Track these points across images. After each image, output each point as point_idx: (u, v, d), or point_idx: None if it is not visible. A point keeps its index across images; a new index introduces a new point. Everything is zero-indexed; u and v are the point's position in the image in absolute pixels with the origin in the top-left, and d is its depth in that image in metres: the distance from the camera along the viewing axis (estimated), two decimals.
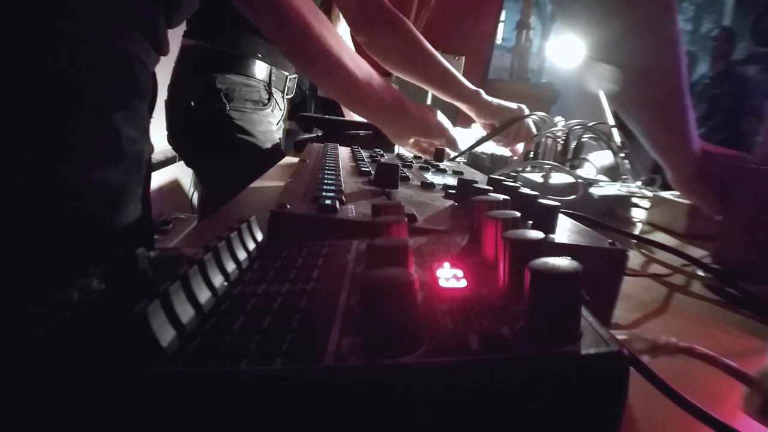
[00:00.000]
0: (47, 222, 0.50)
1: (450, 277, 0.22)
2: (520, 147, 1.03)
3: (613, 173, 0.90)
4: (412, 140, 0.90)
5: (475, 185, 0.41)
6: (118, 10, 0.55)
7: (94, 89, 0.53)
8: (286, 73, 1.26)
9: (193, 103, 1.11)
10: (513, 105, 1.03)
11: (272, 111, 1.23)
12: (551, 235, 0.35)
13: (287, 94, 1.30)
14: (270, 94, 1.21)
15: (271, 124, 1.22)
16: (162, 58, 0.65)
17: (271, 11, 0.74)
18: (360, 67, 0.80)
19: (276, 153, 1.19)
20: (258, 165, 0.94)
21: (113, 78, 0.55)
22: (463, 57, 1.92)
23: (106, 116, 0.54)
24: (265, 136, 1.18)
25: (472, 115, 1.05)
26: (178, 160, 1.27)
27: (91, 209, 0.54)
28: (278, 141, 1.24)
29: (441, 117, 0.91)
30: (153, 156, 0.65)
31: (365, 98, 0.82)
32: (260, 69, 1.18)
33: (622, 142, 0.91)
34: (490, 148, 1.00)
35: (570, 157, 0.87)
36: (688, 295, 0.48)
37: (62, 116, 0.51)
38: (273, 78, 1.21)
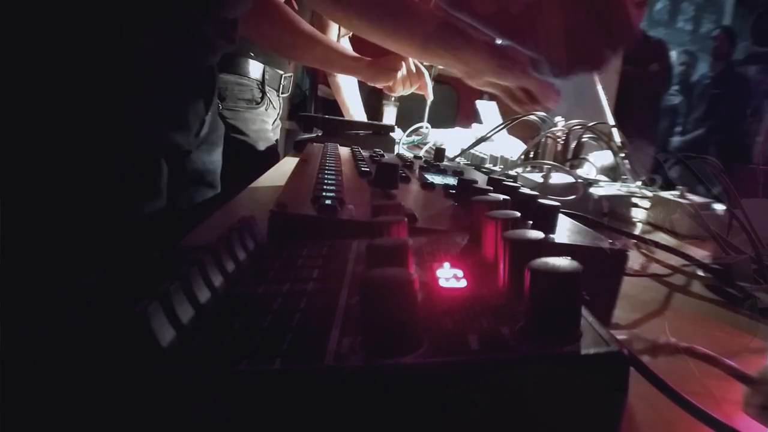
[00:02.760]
0: (69, 217, 0.50)
1: (450, 277, 0.22)
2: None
3: (613, 173, 0.90)
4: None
5: (475, 185, 0.41)
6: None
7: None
8: (281, 72, 1.26)
9: None
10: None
11: (266, 110, 1.23)
12: (551, 235, 0.35)
13: (283, 93, 1.30)
14: (263, 93, 1.21)
15: (265, 123, 1.22)
16: None
17: None
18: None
19: (271, 152, 1.19)
20: (252, 164, 0.94)
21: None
22: None
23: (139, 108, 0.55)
24: (259, 135, 1.18)
25: (370, 83, 1.13)
26: None
27: (113, 203, 0.54)
28: (273, 140, 1.24)
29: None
30: None
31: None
32: (253, 68, 1.18)
33: (622, 142, 0.91)
34: (491, 148, 1.00)
35: (570, 157, 0.87)
36: (688, 295, 0.48)
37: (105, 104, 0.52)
38: (267, 77, 1.21)
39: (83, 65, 0.51)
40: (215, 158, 0.77)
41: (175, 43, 0.58)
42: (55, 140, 0.50)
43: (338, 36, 1.27)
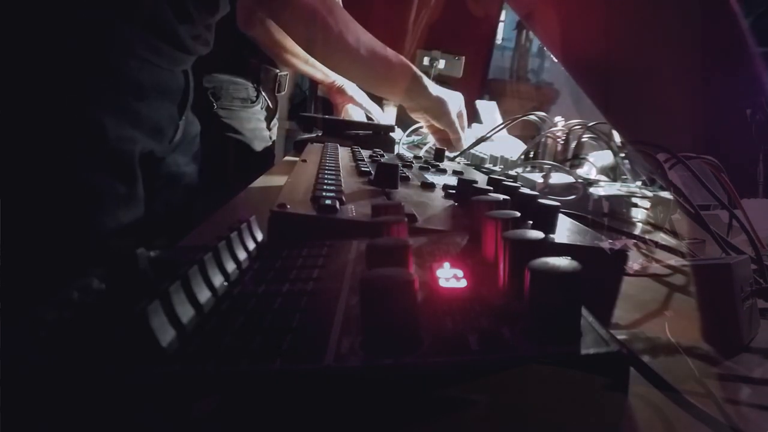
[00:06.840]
0: (60, 218, 0.50)
1: (450, 277, 0.22)
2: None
3: (613, 173, 0.90)
4: (423, 117, 0.96)
5: (475, 185, 0.41)
6: None
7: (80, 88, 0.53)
8: (276, 71, 1.26)
9: None
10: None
11: (262, 108, 1.23)
12: (551, 235, 0.35)
13: (278, 92, 1.30)
14: (259, 91, 1.21)
15: (260, 122, 1.22)
16: None
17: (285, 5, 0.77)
18: (368, 47, 0.82)
19: (267, 151, 1.19)
20: (248, 163, 0.94)
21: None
22: (463, 57, 1.92)
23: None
24: (254, 134, 1.18)
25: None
26: None
27: (91, 213, 0.54)
28: (269, 139, 1.24)
29: (456, 109, 0.94)
30: None
31: (376, 78, 0.88)
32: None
33: (622, 142, 0.91)
34: (491, 148, 1.00)
35: (570, 157, 0.87)
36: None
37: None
38: (262, 75, 1.21)
39: (56, 73, 0.51)
40: (192, 159, 0.77)
41: (148, 47, 0.58)
42: (30, 150, 0.50)
43: None
